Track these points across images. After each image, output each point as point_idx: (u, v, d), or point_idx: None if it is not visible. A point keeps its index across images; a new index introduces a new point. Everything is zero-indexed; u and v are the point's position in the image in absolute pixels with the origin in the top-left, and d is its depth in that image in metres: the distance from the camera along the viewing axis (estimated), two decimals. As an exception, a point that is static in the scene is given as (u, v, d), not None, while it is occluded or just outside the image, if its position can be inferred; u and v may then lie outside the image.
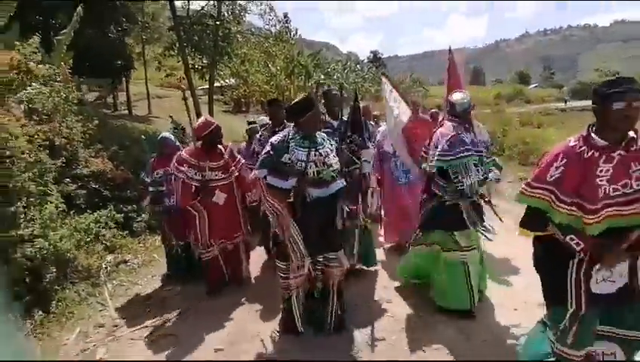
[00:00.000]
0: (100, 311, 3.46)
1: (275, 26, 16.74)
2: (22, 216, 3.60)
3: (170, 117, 5.48)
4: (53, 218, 3.74)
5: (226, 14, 13.24)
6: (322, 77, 18.13)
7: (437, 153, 2.81)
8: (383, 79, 4.24)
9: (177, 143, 4.27)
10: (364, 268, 3.84)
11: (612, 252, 1.74)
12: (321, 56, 20.13)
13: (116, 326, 3.22)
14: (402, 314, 3.13)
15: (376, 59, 48.07)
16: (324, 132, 2.98)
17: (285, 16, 16.67)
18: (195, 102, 11.84)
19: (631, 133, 1.75)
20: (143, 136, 6.04)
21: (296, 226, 2.61)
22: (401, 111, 3.80)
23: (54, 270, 3.52)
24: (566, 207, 1.78)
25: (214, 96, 15.59)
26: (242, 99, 21.35)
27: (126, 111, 16.47)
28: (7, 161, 3.57)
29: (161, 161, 3.98)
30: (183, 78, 13.34)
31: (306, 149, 2.62)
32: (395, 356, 2.62)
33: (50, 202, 3.85)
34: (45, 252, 3.48)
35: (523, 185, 1.92)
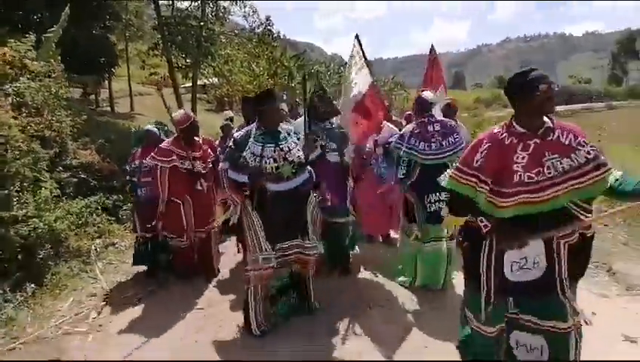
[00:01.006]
0: (92, 283, 3.82)
1: (258, 27, 17.04)
2: (16, 199, 3.85)
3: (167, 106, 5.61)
4: (47, 201, 4.07)
5: (209, 15, 13.56)
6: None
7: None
8: (354, 42, 3.96)
9: (163, 137, 4.19)
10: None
11: (513, 233, 1.78)
12: (305, 58, 20.46)
13: (108, 294, 3.59)
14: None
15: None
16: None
17: (267, 18, 16.93)
18: (178, 100, 12.11)
19: (548, 123, 1.82)
20: (132, 129, 6.31)
21: (258, 218, 2.70)
22: (360, 82, 3.64)
23: (50, 247, 3.84)
24: (486, 192, 1.82)
25: (197, 95, 15.82)
26: (225, 98, 21.53)
27: (108, 108, 16.51)
28: (1, 147, 3.82)
29: (145, 152, 3.94)
30: (167, 77, 13.60)
31: (261, 144, 2.70)
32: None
33: (45, 187, 4.16)
34: (40, 231, 3.77)
35: (453, 170, 1.93)
